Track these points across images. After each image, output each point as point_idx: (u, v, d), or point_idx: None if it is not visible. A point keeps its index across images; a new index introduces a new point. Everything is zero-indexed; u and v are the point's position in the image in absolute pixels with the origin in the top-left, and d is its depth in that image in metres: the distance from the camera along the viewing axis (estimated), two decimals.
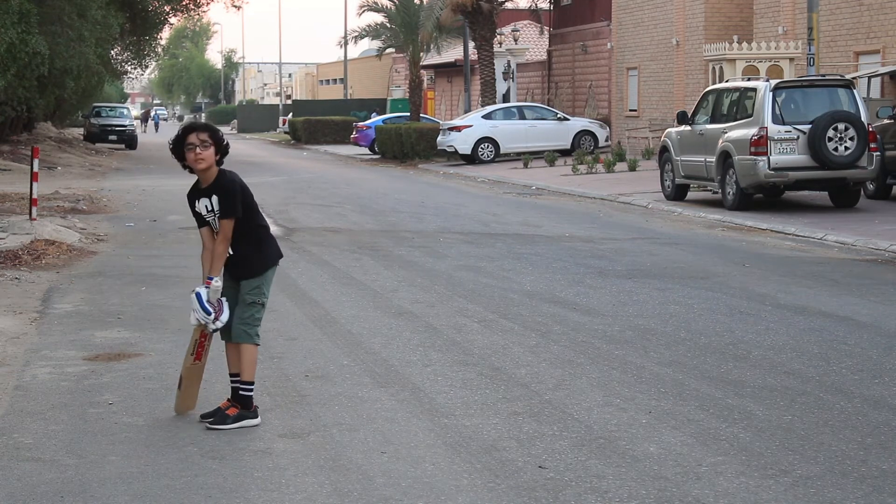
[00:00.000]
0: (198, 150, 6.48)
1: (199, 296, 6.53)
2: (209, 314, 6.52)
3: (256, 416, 6.58)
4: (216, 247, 6.57)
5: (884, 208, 19.53)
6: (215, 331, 6.64)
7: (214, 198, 6.52)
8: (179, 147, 6.53)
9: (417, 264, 13.48)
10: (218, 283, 6.55)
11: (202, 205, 6.58)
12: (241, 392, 6.59)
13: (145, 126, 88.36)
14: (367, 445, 6.17)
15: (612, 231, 17.43)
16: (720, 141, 20.02)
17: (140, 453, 6.04)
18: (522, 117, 37.70)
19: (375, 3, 48.32)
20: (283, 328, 9.46)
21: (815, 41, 23.27)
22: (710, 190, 21.37)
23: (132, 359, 8.34)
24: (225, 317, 6.58)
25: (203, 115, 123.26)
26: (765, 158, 18.97)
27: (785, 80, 22.65)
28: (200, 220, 6.65)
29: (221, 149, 6.57)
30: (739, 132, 19.57)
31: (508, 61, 46.16)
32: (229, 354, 6.75)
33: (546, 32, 48.69)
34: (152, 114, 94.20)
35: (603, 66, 42.40)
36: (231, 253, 6.62)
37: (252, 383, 6.61)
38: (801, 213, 19.08)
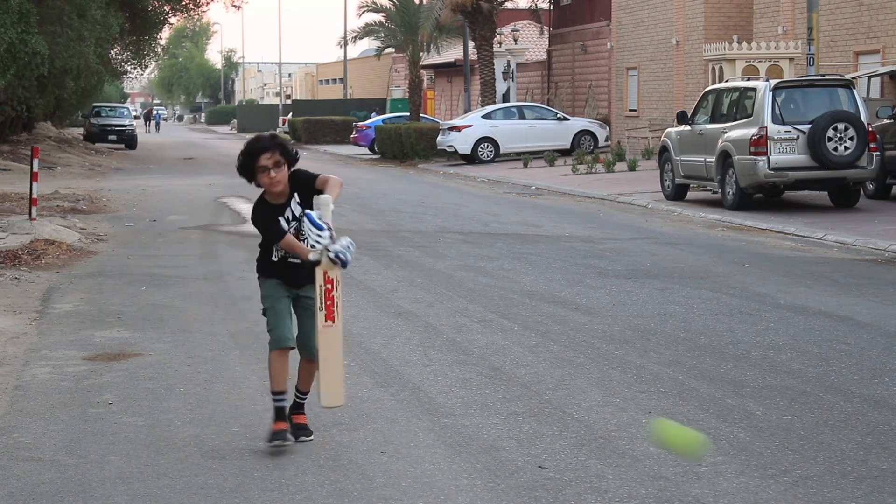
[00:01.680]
0: (272, 172, 6.01)
1: (308, 215, 5.99)
2: (322, 229, 5.92)
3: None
4: (334, 178, 6.14)
5: (884, 208, 19.53)
6: (343, 263, 5.95)
7: (295, 196, 6.14)
8: (249, 168, 6.06)
9: (417, 264, 13.48)
10: (327, 197, 6.02)
11: (288, 214, 6.14)
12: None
13: (149, 125, 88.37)
14: (367, 445, 6.17)
15: (612, 231, 17.43)
16: (720, 141, 20.02)
17: (140, 453, 6.04)
18: (522, 117, 37.71)
19: (375, 3, 48.33)
20: None
21: (815, 41, 23.27)
22: (710, 190, 21.37)
23: (132, 359, 8.34)
24: (345, 243, 5.96)
25: (203, 114, 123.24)
26: (764, 158, 18.97)
27: (785, 80, 22.65)
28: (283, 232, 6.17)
29: (293, 163, 6.13)
30: (739, 132, 19.57)
31: (508, 61, 46.16)
32: (302, 371, 6.37)
33: (546, 32, 48.71)
34: (154, 113, 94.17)
35: (603, 66, 42.41)
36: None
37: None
38: (801, 213, 19.08)
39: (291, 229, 6.13)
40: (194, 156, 45.39)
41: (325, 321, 6.02)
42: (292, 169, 6.15)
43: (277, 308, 6.20)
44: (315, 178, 6.15)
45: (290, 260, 6.19)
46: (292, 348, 6.21)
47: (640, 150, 34.47)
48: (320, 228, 5.93)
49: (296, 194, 6.14)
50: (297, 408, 6.32)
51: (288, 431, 6.10)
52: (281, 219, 6.13)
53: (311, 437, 6.23)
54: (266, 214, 6.17)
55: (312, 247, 5.98)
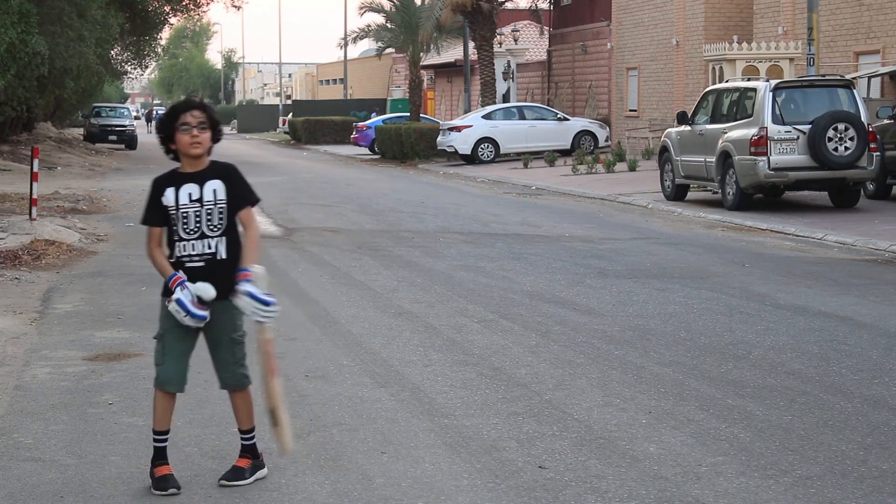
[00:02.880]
0: (195, 131, 5.38)
1: (251, 294, 5.33)
2: (270, 304, 5.34)
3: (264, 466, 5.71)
4: (252, 233, 5.48)
5: (884, 208, 19.53)
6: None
7: (217, 183, 5.45)
8: (169, 127, 5.43)
9: (417, 264, 13.48)
10: (261, 269, 5.43)
11: (185, 193, 5.43)
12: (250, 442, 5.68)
13: (150, 126, 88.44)
14: (367, 445, 6.17)
15: (612, 231, 17.43)
16: (720, 141, 20.02)
17: (140, 453, 6.03)
18: (522, 117, 37.71)
19: (375, 3, 48.33)
20: (283, 328, 9.45)
21: (815, 41, 23.26)
22: (710, 190, 21.37)
23: (132, 359, 8.34)
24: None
25: None
26: (765, 158, 18.97)
27: (785, 80, 22.66)
28: (159, 217, 5.48)
29: (217, 134, 5.49)
30: (739, 132, 19.57)
31: (508, 61, 46.17)
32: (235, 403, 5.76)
33: (546, 32, 48.71)
34: (155, 114, 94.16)
35: (603, 66, 42.40)
36: (223, 257, 5.49)
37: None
38: (801, 213, 19.08)
39: (192, 210, 5.43)
40: None
41: (272, 375, 5.51)
42: (225, 163, 5.58)
43: (168, 340, 5.58)
44: (247, 197, 5.50)
45: (190, 264, 5.48)
46: (177, 392, 5.58)
47: (640, 151, 34.46)
48: (267, 304, 5.36)
49: (221, 182, 5.45)
50: (246, 451, 5.62)
51: (173, 476, 5.47)
52: (170, 190, 5.44)
53: (248, 481, 5.55)
54: (155, 190, 5.48)
55: (259, 322, 5.42)
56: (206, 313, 5.46)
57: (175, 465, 5.82)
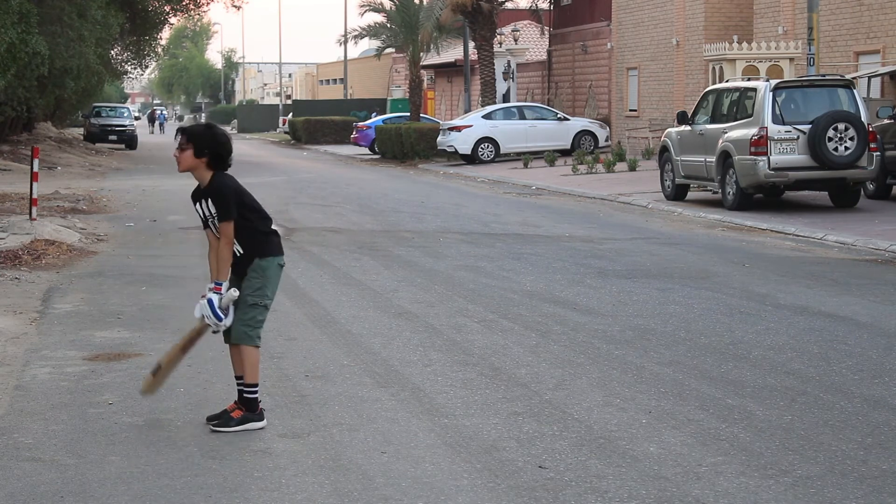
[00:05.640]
0: (176, 151, 6.53)
1: (211, 302, 6.38)
2: (220, 320, 6.41)
3: (262, 419, 6.50)
4: (220, 250, 6.44)
5: (884, 208, 19.53)
6: (216, 332, 6.57)
7: (209, 201, 6.48)
8: None
9: (417, 264, 13.48)
10: (234, 292, 6.42)
11: (200, 207, 6.56)
12: (245, 395, 6.51)
13: (153, 127, 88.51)
14: (367, 445, 6.17)
15: (612, 231, 17.43)
16: (720, 141, 20.02)
17: (140, 453, 6.04)
18: (522, 117, 37.70)
19: (375, 3, 48.32)
20: (283, 328, 9.46)
21: (815, 41, 23.26)
22: (710, 190, 21.37)
23: (132, 359, 8.34)
24: (228, 321, 6.46)
25: (203, 115, 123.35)
26: (765, 158, 18.97)
27: (785, 80, 22.65)
28: (203, 221, 6.60)
29: (204, 152, 6.45)
30: (739, 132, 19.57)
31: (508, 61, 46.16)
32: (233, 356, 6.64)
33: (546, 32, 48.70)
34: (158, 114, 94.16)
35: (603, 66, 42.40)
36: (240, 252, 6.54)
37: (255, 385, 6.50)
38: (801, 213, 19.08)
39: (207, 219, 6.55)
40: None
41: (181, 352, 6.73)
42: (220, 180, 6.47)
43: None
44: (225, 216, 6.42)
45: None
46: (229, 343, 6.72)
47: (640, 151, 34.47)
48: (219, 318, 6.43)
49: (210, 200, 6.47)
50: (241, 401, 6.59)
51: (222, 415, 6.56)
52: (200, 202, 6.55)
53: (220, 428, 6.48)
54: (193, 199, 6.68)
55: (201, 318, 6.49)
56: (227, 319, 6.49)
57: (175, 465, 5.84)
